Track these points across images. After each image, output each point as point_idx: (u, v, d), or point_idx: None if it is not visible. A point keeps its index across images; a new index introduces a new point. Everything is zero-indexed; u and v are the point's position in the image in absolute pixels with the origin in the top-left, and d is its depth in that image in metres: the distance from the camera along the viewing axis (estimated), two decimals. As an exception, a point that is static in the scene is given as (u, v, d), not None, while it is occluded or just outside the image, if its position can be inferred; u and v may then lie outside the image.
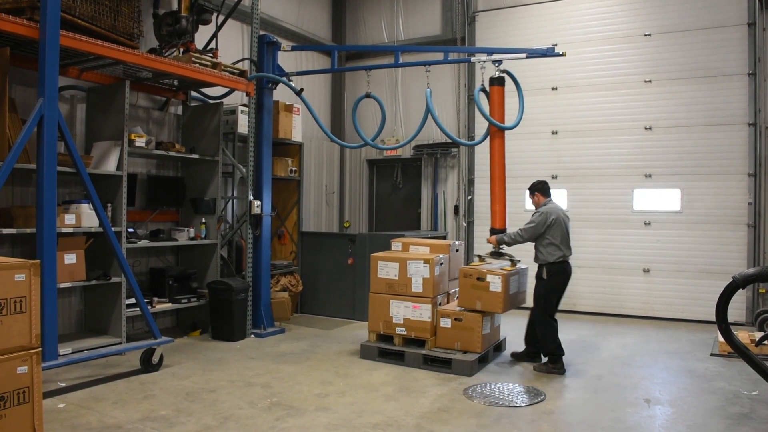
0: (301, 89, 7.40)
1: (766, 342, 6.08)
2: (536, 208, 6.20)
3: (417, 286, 6.11)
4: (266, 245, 7.58)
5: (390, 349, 6.16)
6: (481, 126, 9.89)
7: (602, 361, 6.22)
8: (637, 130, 8.89)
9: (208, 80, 6.74)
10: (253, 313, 7.38)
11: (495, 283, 5.86)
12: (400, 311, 6.16)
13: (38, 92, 4.84)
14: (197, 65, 6.51)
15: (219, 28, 7.55)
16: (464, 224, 10.11)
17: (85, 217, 5.78)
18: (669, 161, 8.68)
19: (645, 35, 8.83)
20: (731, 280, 2.61)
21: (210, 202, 7.37)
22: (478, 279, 5.93)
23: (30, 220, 5.28)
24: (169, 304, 6.89)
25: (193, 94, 7.78)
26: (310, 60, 10.38)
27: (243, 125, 7.70)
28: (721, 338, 6.47)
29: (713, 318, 2.78)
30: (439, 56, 7.49)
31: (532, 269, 6.29)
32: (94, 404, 4.68)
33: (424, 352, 5.98)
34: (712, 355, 6.57)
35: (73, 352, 5.48)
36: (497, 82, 6.47)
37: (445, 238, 9.75)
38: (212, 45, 7.40)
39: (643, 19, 8.85)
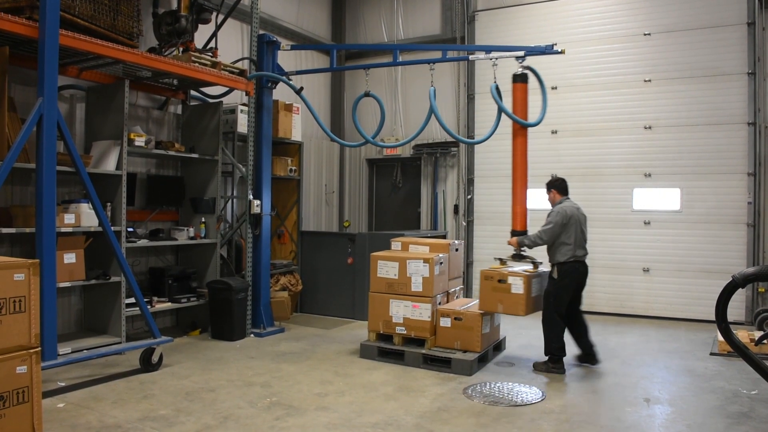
0: (301, 88, 7.39)
1: (765, 341, 6.08)
2: (552, 206, 6.10)
3: (417, 285, 6.11)
4: (266, 245, 7.58)
5: (390, 348, 6.16)
6: (480, 125, 9.90)
7: (602, 361, 6.21)
8: (636, 129, 8.89)
9: (207, 79, 6.74)
10: (253, 313, 7.38)
11: (517, 285, 5.79)
12: (400, 311, 6.16)
13: (37, 91, 4.83)
14: (197, 64, 6.51)
15: (218, 27, 7.55)
16: (464, 224, 10.10)
17: (85, 216, 5.77)
18: (668, 161, 8.68)
19: (644, 35, 8.83)
20: (731, 279, 2.60)
21: (209, 201, 7.37)
22: (499, 281, 5.86)
23: (29, 220, 5.27)
24: (169, 304, 6.89)
25: (193, 93, 7.77)
26: (310, 59, 10.38)
27: (243, 124, 7.70)
28: (720, 337, 6.47)
29: (713, 317, 2.78)
30: (438, 55, 7.48)
31: None
32: (93, 404, 4.68)
33: (423, 351, 5.98)
34: (711, 354, 6.57)
35: (72, 352, 5.48)
36: (520, 78, 6.33)
37: (444, 237, 9.75)
38: (212, 44, 7.40)
39: (643, 18, 8.85)
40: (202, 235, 7.29)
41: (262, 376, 5.55)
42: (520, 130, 6.34)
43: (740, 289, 2.67)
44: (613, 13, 9.06)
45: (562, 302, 5.86)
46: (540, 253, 6.24)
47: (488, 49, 6.83)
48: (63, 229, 5.59)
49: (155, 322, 5.75)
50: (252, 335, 7.27)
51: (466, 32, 10.05)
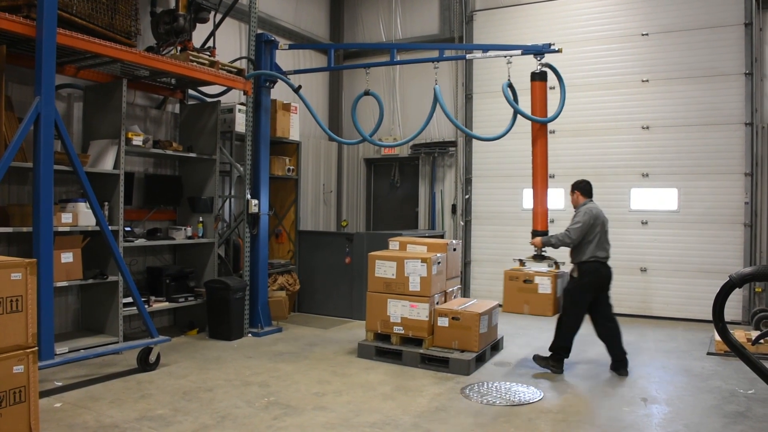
0: (299, 86, 7.38)
1: (762, 341, 6.10)
2: (575, 207, 6.05)
3: (414, 285, 6.11)
4: (264, 244, 7.57)
5: (387, 348, 6.16)
6: (478, 125, 9.89)
7: (599, 360, 6.21)
8: (634, 129, 8.91)
9: (205, 79, 6.73)
10: (251, 312, 7.38)
11: (544, 285, 5.75)
12: (398, 310, 6.16)
13: (35, 90, 4.82)
14: (195, 64, 6.50)
15: (217, 26, 7.54)
16: (462, 223, 10.11)
17: (82, 215, 5.76)
18: (666, 161, 8.69)
19: (642, 35, 8.85)
20: (728, 279, 2.61)
21: (207, 200, 7.36)
22: (525, 281, 5.83)
23: (26, 219, 5.26)
24: (167, 303, 6.88)
25: (191, 92, 7.76)
26: (308, 59, 10.38)
27: (240, 124, 7.69)
28: (717, 337, 6.46)
29: (710, 317, 2.79)
30: (436, 54, 7.48)
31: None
32: (90, 403, 4.67)
33: (421, 351, 5.98)
34: (708, 354, 6.59)
35: (69, 352, 5.47)
36: (539, 77, 6.29)
37: (442, 237, 9.76)
38: (210, 43, 7.39)
39: (641, 18, 8.86)
40: (200, 234, 7.28)
41: (260, 376, 5.55)
42: (541, 131, 6.31)
43: (737, 289, 2.68)
44: (611, 13, 9.07)
45: (581, 302, 5.79)
46: (555, 254, 6.23)
47: (485, 48, 6.82)
48: (60, 229, 5.58)
49: (153, 322, 5.73)
50: (250, 335, 7.26)
51: (464, 32, 10.06)
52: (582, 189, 6.08)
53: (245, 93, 7.25)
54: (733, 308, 8.14)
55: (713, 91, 8.43)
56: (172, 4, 7.06)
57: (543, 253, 6.18)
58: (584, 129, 9.17)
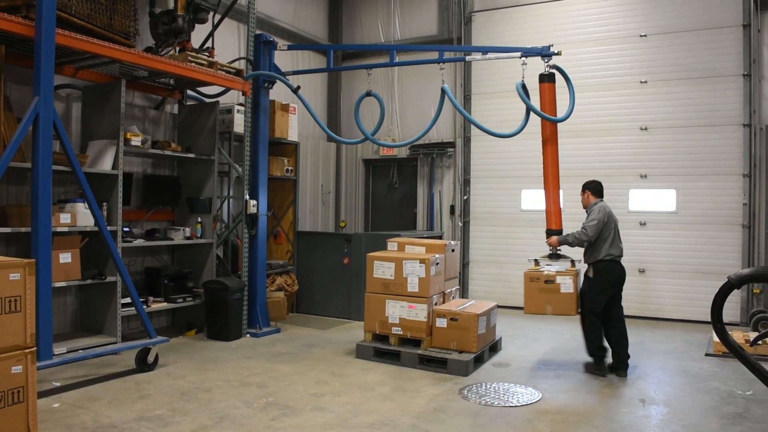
0: (298, 86, 7.38)
1: (760, 342, 6.11)
2: (585, 208, 6.08)
3: (413, 286, 6.11)
4: (262, 245, 7.57)
5: (386, 348, 6.16)
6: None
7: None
8: (632, 130, 8.92)
9: (204, 79, 6.73)
10: (249, 313, 7.37)
11: (566, 284, 5.76)
12: (396, 311, 6.16)
13: (33, 90, 4.82)
14: (193, 64, 6.49)
15: (215, 27, 7.53)
16: (460, 224, 10.11)
17: (81, 216, 5.76)
18: (664, 162, 8.71)
19: (641, 36, 8.86)
20: (726, 280, 2.62)
21: (206, 201, 7.36)
22: (546, 282, 5.84)
23: (25, 219, 5.26)
24: (165, 304, 6.88)
25: (190, 93, 7.76)
26: (307, 59, 10.38)
27: (239, 124, 7.69)
28: (716, 338, 6.48)
29: (708, 318, 2.80)
30: (435, 56, 7.49)
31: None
32: (89, 404, 4.67)
33: (419, 351, 5.99)
34: (706, 355, 6.60)
35: (68, 352, 5.46)
36: (548, 78, 6.32)
37: (441, 238, 9.75)
38: (208, 44, 7.39)
39: (639, 19, 8.87)
40: (198, 235, 7.28)
41: (258, 377, 5.55)
42: (552, 131, 6.33)
43: (735, 290, 2.68)
44: (609, 14, 9.09)
45: (598, 302, 5.80)
46: (570, 252, 6.25)
47: (485, 51, 6.82)
48: (59, 229, 5.58)
49: (151, 322, 5.73)
50: (248, 335, 7.26)
51: (463, 33, 10.06)
52: (593, 189, 6.11)
53: (244, 93, 7.25)
54: (732, 309, 8.15)
55: (711, 93, 8.45)
56: (171, 5, 7.06)
57: (558, 252, 6.20)
58: (583, 130, 9.18)
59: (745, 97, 8.23)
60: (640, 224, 8.86)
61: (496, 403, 4.92)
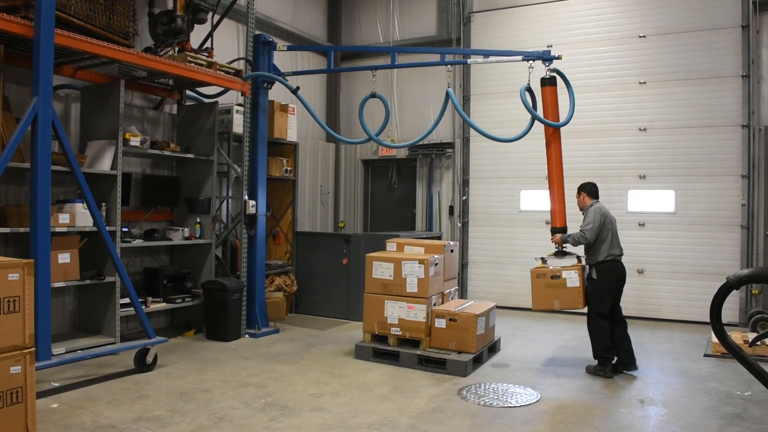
0: (297, 87, 7.38)
1: (759, 343, 6.12)
2: (581, 209, 6.12)
3: (412, 286, 6.11)
4: (261, 245, 7.57)
5: (385, 349, 6.16)
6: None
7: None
8: (631, 131, 8.93)
9: (203, 80, 6.73)
10: (248, 313, 7.37)
11: (572, 279, 5.82)
12: (395, 311, 6.17)
13: (32, 91, 4.82)
14: (192, 64, 6.49)
15: (214, 27, 7.53)
16: (459, 225, 10.12)
17: (80, 216, 5.76)
18: (663, 162, 8.71)
19: (640, 37, 8.87)
20: (725, 281, 2.62)
21: (205, 201, 7.36)
22: (552, 277, 5.88)
23: (24, 219, 5.25)
24: (164, 304, 6.87)
25: (189, 93, 7.76)
26: (306, 60, 10.37)
27: (238, 125, 7.69)
28: (714, 339, 6.50)
29: (707, 319, 2.80)
30: (437, 57, 7.50)
31: None
32: (87, 404, 4.66)
33: (418, 352, 5.99)
34: (705, 355, 6.60)
35: (66, 352, 5.46)
36: (549, 82, 6.35)
37: (439, 238, 9.76)
38: (208, 44, 7.38)
39: (638, 20, 8.88)
40: (197, 235, 7.27)
41: (257, 377, 5.55)
42: (555, 133, 6.36)
43: (734, 291, 2.69)
44: (608, 15, 9.09)
45: (603, 303, 5.82)
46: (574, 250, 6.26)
47: (486, 54, 6.82)
48: (57, 229, 5.58)
49: (150, 323, 5.73)
50: (247, 336, 7.26)
51: (462, 34, 10.07)
52: (588, 190, 6.15)
53: (243, 94, 7.25)
54: (730, 310, 8.16)
55: (710, 93, 8.46)
56: (170, 5, 7.06)
57: (564, 249, 6.24)
58: (581, 131, 9.17)
59: (744, 98, 8.24)
60: (639, 225, 8.87)
61: (494, 403, 4.92)
